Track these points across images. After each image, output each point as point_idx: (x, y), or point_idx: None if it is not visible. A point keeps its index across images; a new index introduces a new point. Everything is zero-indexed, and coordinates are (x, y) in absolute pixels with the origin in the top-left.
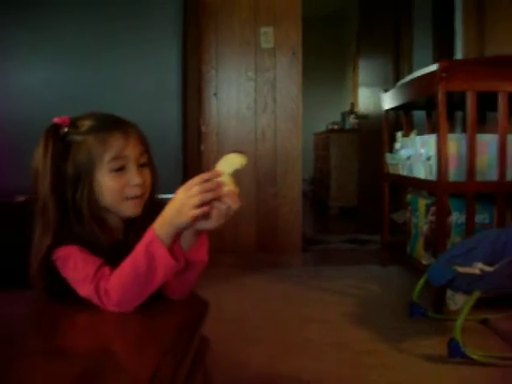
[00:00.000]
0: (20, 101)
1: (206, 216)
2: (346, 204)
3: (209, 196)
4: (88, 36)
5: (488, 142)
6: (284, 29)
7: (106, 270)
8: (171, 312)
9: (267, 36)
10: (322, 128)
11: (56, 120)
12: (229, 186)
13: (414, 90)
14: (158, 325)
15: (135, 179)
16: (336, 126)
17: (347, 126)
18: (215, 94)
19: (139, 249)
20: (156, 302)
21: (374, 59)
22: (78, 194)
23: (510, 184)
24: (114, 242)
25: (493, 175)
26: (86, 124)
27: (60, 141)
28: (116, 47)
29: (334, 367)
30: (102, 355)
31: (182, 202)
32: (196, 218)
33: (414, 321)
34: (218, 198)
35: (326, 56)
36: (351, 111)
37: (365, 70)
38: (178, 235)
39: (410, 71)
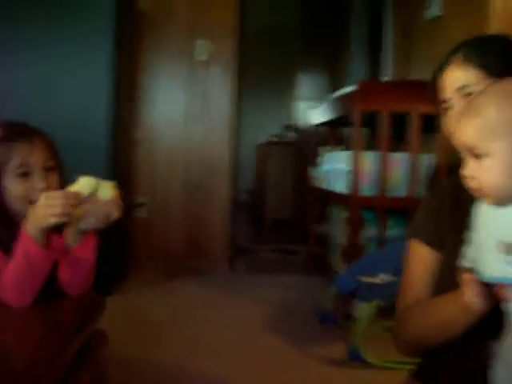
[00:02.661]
0: None
1: (88, 216)
2: (281, 216)
3: (67, 209)
4: (17, 35)
5: (400, 160)
6: (219, 42)
7: (6, 267)
8: (65, 308)
9: (202, 48)
10: (264, 139)
11: None
12: (111, 196)
13: (338, 107)
14: (50, 320)
15: (39, 184)
16: (276, 139)
17: (286, 139)
18: (149, 102)
19: (17, 248)
20: (53, 299)
21: (313, 75)
22: None
23: (418, 200)
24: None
25: (403, 191)
26: None
27: None
28: (45, 47)
29: (239, 368)
30: None
31: (44, 209)
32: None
33: (324, 327)
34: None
35: (269, 68)
36: (290, 124)
37: (304, 85)
38: (49, 231)
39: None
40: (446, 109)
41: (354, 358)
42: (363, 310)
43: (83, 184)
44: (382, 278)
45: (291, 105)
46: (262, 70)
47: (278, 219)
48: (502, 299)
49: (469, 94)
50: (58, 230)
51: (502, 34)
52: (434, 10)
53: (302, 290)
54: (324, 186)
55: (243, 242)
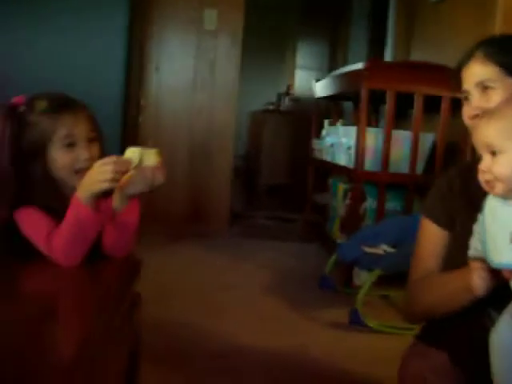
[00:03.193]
0: None
1: (134, 182)
2: (275, 182)
3: (117, 176)
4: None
5: (403, 138)
6: (227, 12)
7: (57, 230)
8: (110, 269)
9: (211, 18)
10: (259, 107)
11: (13, 100)
12: (156, 161)
13: (342, 83)
14: (98, 280)
15: (84, 154)
16: (271, 107)
17: (282, 108)
18: (156, 69)
19: (69, 212)
20: (97, 262)
21: (312, 45)
22: (34, 167)
23: (419, 176)
24: (66, 207)
25: (405, 168)
26: (41, 105)
27: (17, 119)
28: (60, 16)
29: (248, 330)
30: (48, 305)
31: (97, 175)
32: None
33: (323, 293)
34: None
35: (267, 36)
36: (287, 93)
37: (303, 54)
38: (98, 197)
39: (345, 60)
40: (465, 99)
41: (355, 322)
42: (365, 277)
43: (132, 153)
44: (383, 248)
45: (289, 73)
46: (260, 38)
47: (273, 185)
48: (510, 280)
49: (486, 88)
50: (104, 195)
51: None
52: None
53: (299, 256)
54: (326, 158)
55: (238, 207)
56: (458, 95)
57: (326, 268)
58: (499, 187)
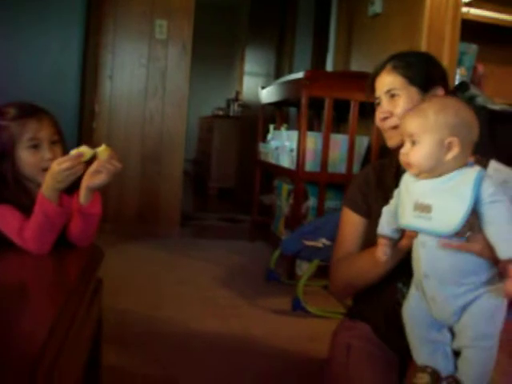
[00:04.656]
0: None
1: (96, 175)
2: (225, 185)
3: (73, 171)
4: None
5: (340, 141)
6: (178, 22)
7: (27, 223)
8: (76, 257)
9: (161, 28)
10: (208, 112)
11: None
12: (108, 154)
13: (286, 90)
14: (65, 267)
15: (47, 154)
16: (221, 112)
17: (231, 113)
18: (110, 77)
19: (36, 207)
20: (65, 249)
21: (260, 52)
22: (4, 167)
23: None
24: (33, 202)
25: (343, 168)
26: (10, 112)
27: None
28: (20, 29)
29: (199, 316)
30: (18, 291)
31: (56, 174)
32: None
33: (269, 284)
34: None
35: (216, 43)
36: (236, 99)
37: (251, 61)
38: (61, 191)
39: (291, 68)
40: (377, 104)
41: (297, 308)
42: (306, 268)
43: (82, 149)
44: (323, 242)
45: (238, 80)
46: (209, 44)
47: (222, 188)
48: (411, 238)
49: (393, 96)
50: (69, 189)
51: (425, 51)
52: (375, 7)
53: (247, 254)
54: (271, 160)
55: (189, 209)
56: (371, 100)
57: (270, 262)
58: (413, 169)
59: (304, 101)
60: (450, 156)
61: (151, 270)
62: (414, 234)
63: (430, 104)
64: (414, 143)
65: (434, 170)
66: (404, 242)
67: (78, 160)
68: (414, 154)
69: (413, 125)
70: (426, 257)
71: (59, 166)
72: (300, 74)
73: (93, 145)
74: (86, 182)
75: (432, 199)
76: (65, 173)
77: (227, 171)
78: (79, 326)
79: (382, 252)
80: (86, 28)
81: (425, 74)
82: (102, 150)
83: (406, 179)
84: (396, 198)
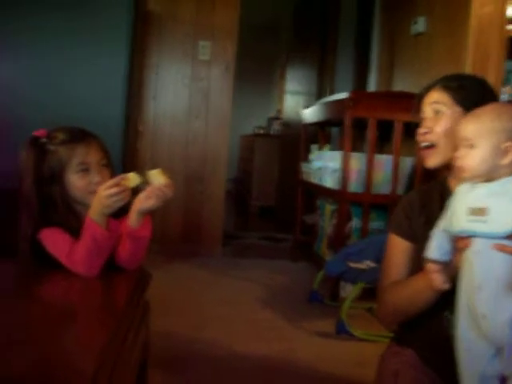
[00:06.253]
0: None
1: (147, 200)
2: (265, 204)
3: (119, 198)
4: (39, 37)
5: (384, 161)
6: (221, 43)
7: (76, 246)
8: (124, 280)
9: (205, 49)
10: (249, 130)
11: (36, 133)
12: (163, 180)
13: (329, 111)
14: (114, 290)
15: (95, 178)
16: (262, 131)
17: (272, 132)
18: (154, 97)
19: (85, 231)
20: (113, 272)
21: (301, 70)
22: (53, 190)
23: (400, 197)
24: (82, 224)
25: (387, 189)
26: (59, 137)
27: (38, 149)
28: (69, 49)
29: (242, 338)
30: (68, 314)
31: (104, 199)
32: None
33: (312, 306)
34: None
35: (257, 61)
36: (277, 117)
37: (292, 80)
38: (109, 215)
39: (332, 86)
40: (422, 120)
41: (341, 331)
42: (349, 290)
43: (130, 175)
44: (367, 264)
45: (279, 98)
46: (250, 62)
47: (263, 207)
48: (464, 248)
49: (438, 113)
50: (118, 213)
51: (478, 75)
52: (418, 26)
53: (289, 274)
54: (314, 180)
55: (230, 228)
56: (417, 120)
57: (314, 283)
58: (466, 173)
59: (348, 121)
60: (506, 160)
61: (194, 289)
62: (467, 243)
63: (486, 109)
64: (469, 147)
65: (489, 175)
66: (457, 257)
67: (123, 186)
68: (470, 158)
69: (469, 129)
70: (481, 266)
71: (105, 192)
72: (344, 95)
73: (138, 165)
74: (136, 206)
75: (487, 202)
76: (111, 199)
77: (268, 189)
78: (128, 351)
79: (440, 281)
80: (130, 49)
81: (475, 98)
82: (156, 173)
83: (460, 190)
84: (445, 217)
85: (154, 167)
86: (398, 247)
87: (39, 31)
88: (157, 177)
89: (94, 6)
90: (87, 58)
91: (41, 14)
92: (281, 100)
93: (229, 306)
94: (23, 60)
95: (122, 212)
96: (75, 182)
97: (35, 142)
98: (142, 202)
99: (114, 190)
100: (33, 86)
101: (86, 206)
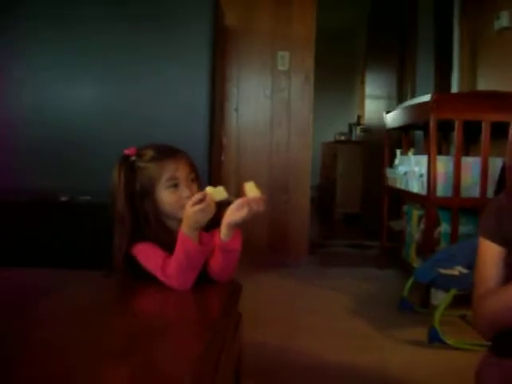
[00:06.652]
0: (66, 112)
1: (237, 212)
2: (350, 211)
3: (206, 212)
4: (126, 54)
5: (472, 164)
6: (299, 53)
7: (169, 260)
8: (217, 292)
9: (283, 59)
10: (330, 137)
11: (126, 152)
12: (257, 193)
13: (412, 114)
14: (207, 303)
15: (185, 192)
16: (343, 137)
17: (354, 138)
18: (236, 110)
19: (178, 245)
20: (206, 285)
21: (380, 74)
22: (145, 206)
23: (490, 200)
24: (174, 239)
25: (476, 192)
26: (148, 154)
27: (129, 167)
28: (153, 64)
29: (333, 347)
30: (163, 328)
31: (191, 216)
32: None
33: (402, 313)
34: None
35: (335, 67)
36: (358, 123)
37: (371, 84)
38: (200, 229)
39: (413, 88)
40: None
41: (434, 340)
42: (441, 296)
43: (218, 189)
44: (459, 270)
45: (359, 104)
46: (328, 69)
47: (347, 213)
48: None
49: None
50: (207, 227)
51: None
52: (502, 21)
53: (378, 282)
54: (400, 186)
55: (315, 236)
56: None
57: (403, 290)
58: None
59: (432, 124)
60: None
61: (282, 299)
62: None
63: None
64: None
65: None
66: None
67: (208, 201)
68: None
69: None
70: None
71: (191, 209)
72: (427, 97)
73: (223, 177)
74: (226, 219)
75: None
76: (197, 214)
77: (352, 196)
78: (223, 364)
79: None
80: (212, 63)
81: None
82: (251, 185)
83: None
84: None
85: (239, 179)
86: (490, 252)
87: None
88: (252, 189)
89: (172, 20)
90: (169, 74)
91: (118, 30)
92: (361, 105)
93: (317, 316)
94: (102, 76)
95: (213, 225)
96: (166, 197)
97: (126, 160)
98: (233, 215)
99: (198, 207)
100: (121, 100)
101: (178, 221)
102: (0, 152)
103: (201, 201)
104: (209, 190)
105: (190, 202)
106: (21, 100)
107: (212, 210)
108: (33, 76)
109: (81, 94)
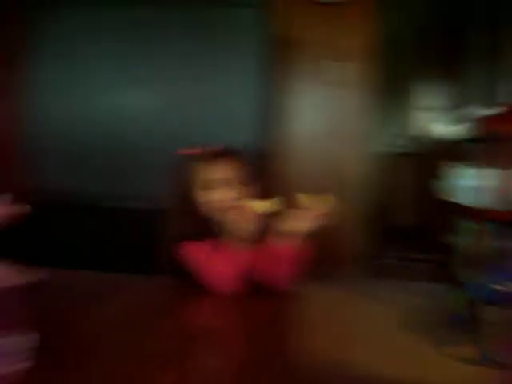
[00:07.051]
0: (132, 123)
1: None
2: (403, 223)
3: (244, 223)
4: (185, 66)
5: None
6: (354, 64)
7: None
8: (270, 299)
9: (338, 70)
10: (382, 149)
11: (179, 151)
12: (323, 207)
13: (479, 126)
14: (259, 309)
15: (217, 195)
16: (396, 149)
17: (405, 149)
18: (291, 121)
19: (223, 251)
20: (260, 292)
21: (430, 84)
22: (193, 207)
23: None
24: (219, 241)
25: None
26: (197, 156)
27: (179, 168)
28: (209, 78)
29: (379, 360)
30: (216, 330)
31: (231, 225)
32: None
33: (453, 330)
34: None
35: (383, 78)
36: (409, 135)
37: (421, 96)
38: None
39: (464, 100)
40: None
41: (486, 358)
42: (494, 313)
43: (259, 203)
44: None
45: (411, 115)
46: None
47: (400, 226)
48: None
49: None
50: (262, 234)
51: None
52: None
53: (428, 296)
54: (454, 199)
55: (367, 248)
56: None
57: (455, 305)
58: None
59: (488, 137)
60: None
61: (331, 311)
62: None
63: None
64: None
65: None
66: None
67: (246, 212)
68: None
69: None
70: None
71: (227, 218)
72: (496, 110)
73: (283, 190)
74: (282, 227)
75: None
76: (233, 224)
77: (405, 208)
78: (270, 372)
79: None
80: (263, 74)
81: None
82: (324, 199)
83: None
84: None
85: (290, 190)
86: None
87: (175, 66)
88: (324, 202)
89: (222, 30)
90: (220, 83)
91: (168, 40)
92: (413, 117)
93: (366, 328)
94: (153, 84)
95: (269, 233)
96: (210, 199)
97: (176, 163)
98: (290, 224)
99: (232, 217)
100: (181, 110)
101: (223, 223)
102: (54, 155)
103: (236, 210)
104: (253, 203)
105: (228, 212)
106: (76, 105)
107: (248, 220)
108: (85, 82)
109: (133, 101)
